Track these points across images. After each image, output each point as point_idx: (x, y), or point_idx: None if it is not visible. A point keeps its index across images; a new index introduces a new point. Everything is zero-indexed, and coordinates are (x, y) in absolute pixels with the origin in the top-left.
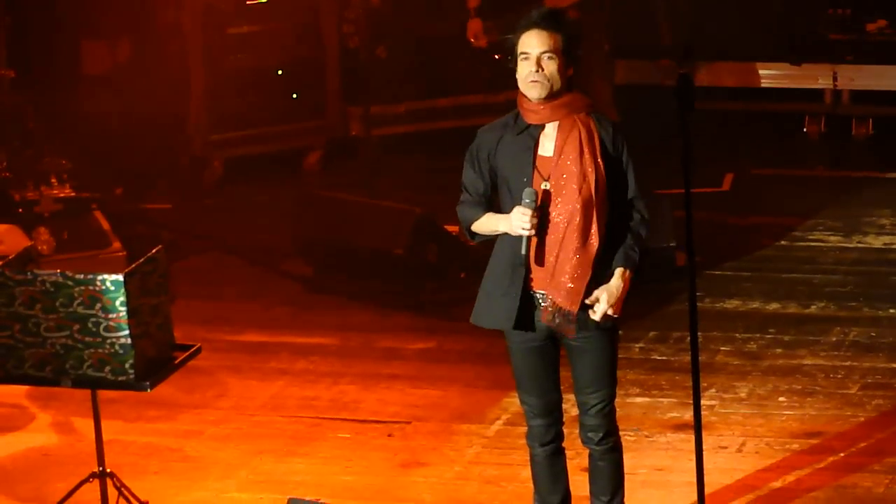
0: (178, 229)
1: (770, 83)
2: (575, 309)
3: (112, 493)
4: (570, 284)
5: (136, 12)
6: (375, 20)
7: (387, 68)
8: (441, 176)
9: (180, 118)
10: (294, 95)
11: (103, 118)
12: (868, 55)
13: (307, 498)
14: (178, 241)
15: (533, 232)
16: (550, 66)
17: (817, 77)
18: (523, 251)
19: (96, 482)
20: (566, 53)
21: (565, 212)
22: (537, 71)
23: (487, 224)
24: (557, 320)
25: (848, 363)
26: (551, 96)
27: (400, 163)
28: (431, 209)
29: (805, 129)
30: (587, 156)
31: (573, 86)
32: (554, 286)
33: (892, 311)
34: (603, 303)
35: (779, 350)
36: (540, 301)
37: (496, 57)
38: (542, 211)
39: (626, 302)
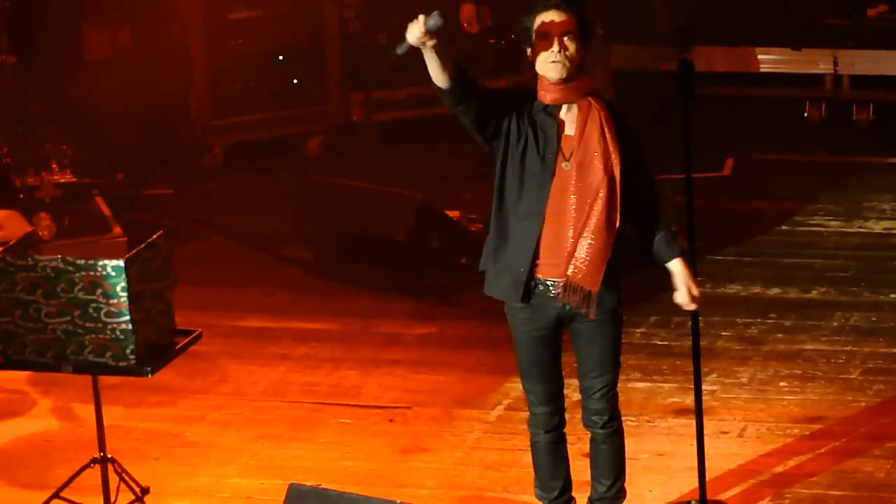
0: (178, 215)
1: (770, 68)
2: (595, 289)
3: (113, 478)
4: (592, 265)
5: None
6: (376, 5)
7: (387, 54)
8: (442, 162)
9: (181, 104)
10: (295, 81)
11: (104, 104)
12: (869, 40)
13: (308, 483)
14: (179, 227)
15: (415, 43)
16: (571, 47)
17: (818, 62)
18: (399, 51)
19: (97, 468)
20: (582, 35)
21: (590, 191)
22: (559, 51)
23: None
24: (577, 300)
25: (849, 348)
26: (570, 77)
27: (401, 149)
28: (433, 195)
29: (806, 114)
30: (609, 135)
31: (584, 69)
32: (576, 267)
33: (892, 295)
34: (694, 291)
35: (780, 335)
36: (550, 287)
37: (491, 41)
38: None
39: (627, 287)
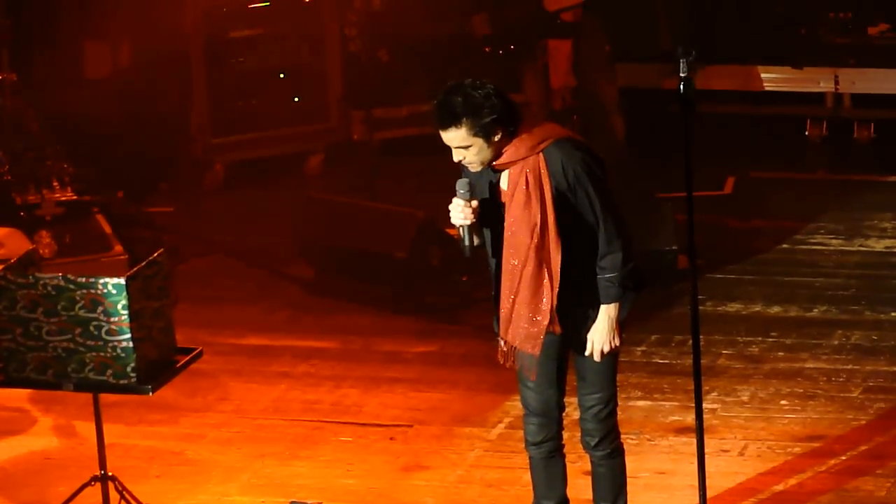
0: (179, 232)
1: (772, 86)
2: (536, 352)
3: (114, 496)
4: (529, 328)
5: (139, 15)
6: (377, 23)
7: (389, 71)
8: (443, 179)
9: (182, 121)
10: (296, 99)
11: (105, 121)
12: (870, 58)
13: (309, 501)
14: (180, 245)
15: (471, 220)
16: (469, 154)
17: (819, 80)
18: (466, 242)
19: (98, 486)
20: (481, 131)
21: (519, 257)
22: (461, 160)
23: None
24: (519, 364)
25: (850, 366)
26: (490, 162)
27: (402, 166)
28: (434, 212)
29: (807, 133)
30: (534, 202)
31: (515, 130)
32: (513, 331)
33: (893, 314)
34: (597, 344)
35: (780, 353)
36: None
37: (487, 49)
38: (487, 206)
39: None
